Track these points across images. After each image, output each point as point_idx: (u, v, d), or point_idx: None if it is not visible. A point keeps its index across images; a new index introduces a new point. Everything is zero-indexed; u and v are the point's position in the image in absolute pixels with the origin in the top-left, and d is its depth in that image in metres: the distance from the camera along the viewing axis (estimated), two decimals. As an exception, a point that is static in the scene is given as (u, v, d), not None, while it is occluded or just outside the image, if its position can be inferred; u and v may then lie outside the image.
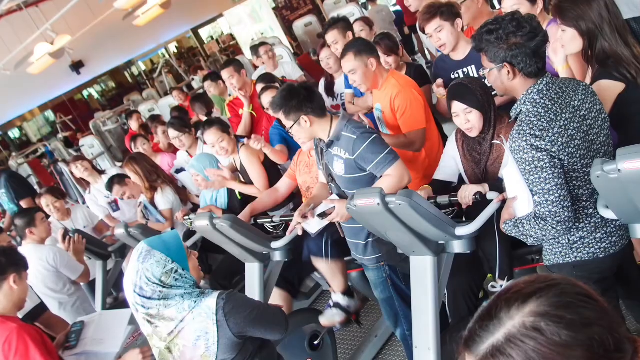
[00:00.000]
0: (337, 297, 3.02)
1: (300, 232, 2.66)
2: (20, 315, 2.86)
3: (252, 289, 2.85)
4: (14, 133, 14.80)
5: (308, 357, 3.08)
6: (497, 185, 2.21)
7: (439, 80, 2.94)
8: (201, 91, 6.73)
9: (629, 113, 2.05)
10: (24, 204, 5.78)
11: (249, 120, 4.28)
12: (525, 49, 1.79)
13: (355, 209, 2.10)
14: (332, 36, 3.67)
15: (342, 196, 2.58)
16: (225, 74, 4.35)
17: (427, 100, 3.03)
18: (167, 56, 15.60)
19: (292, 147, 3.47)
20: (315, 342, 3.13)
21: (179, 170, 4.35)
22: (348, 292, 3.04)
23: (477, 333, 0.83)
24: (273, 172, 3.48)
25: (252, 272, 2.87)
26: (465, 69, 2.93)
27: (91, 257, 3.86)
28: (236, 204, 3.48)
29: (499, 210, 2.10)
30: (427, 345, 2.22)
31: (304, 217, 2.63)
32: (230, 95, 4.77)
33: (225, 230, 2.65)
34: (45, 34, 7.98)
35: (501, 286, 2.33)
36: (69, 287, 3.84)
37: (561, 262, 1.95)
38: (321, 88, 4.12)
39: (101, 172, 5.04)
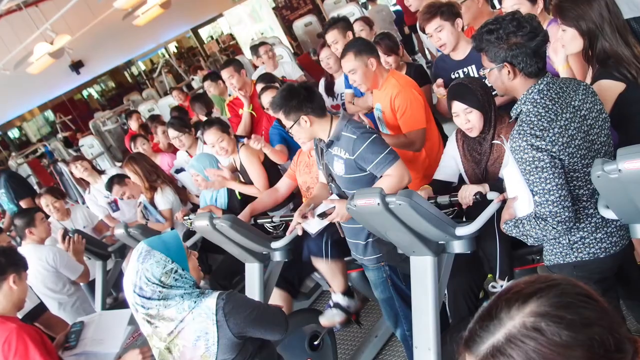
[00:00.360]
0: (337, 297, 3.02)
1: (300, 232, 2.66)
2: (20, 315, 2.86)
3: (252, 289, 2.84)
4: (14, 133, 14.79)
5: (308, 357, 3.08)
6: (498, 185, 2.21)
7: (439, 80, 2.94)
8: (201, 91, 6.72)
9: (629, 113, 2.05)
10: (23, 204, 5.78)
11: (249, 120, 4.28)
12: (526, 49, 1.78)
13: (355, 209, 2.10)
14: (332, 36, 3.67)
15: (342, 196, 2.58)
16: (225, 73, 4.35)
17: (427, 100, 3.03)
18: (167, 56, 15.60)
19: (292, 147, 3.47)
20: (315, 342, 3.13)
21: (178, 170, 4.35)
22: (348, 292, 3.04)
23: (478, 333, 0.83)
24: (273, 172, 3.48)
25: (252, 272, 2.87)
26: (465, 69, 2.93)
27: (91, 257, 3.86)
28: (236, 204, 3.48)
29: (499, 210, 2.10)
30: (427, 345, 2.21)
31: (304, 217, 2.62)
32: (230, 95, 4.77)
33: (225, 230, 2.64)
34: (44, 33, 7.96)
35: (501, 286, 2.32)
36: (69, 287, 3.84)
37: (561, 262, 1.95)
38: (321, 88, 4.12)
39: (101, 172, 5.04)
